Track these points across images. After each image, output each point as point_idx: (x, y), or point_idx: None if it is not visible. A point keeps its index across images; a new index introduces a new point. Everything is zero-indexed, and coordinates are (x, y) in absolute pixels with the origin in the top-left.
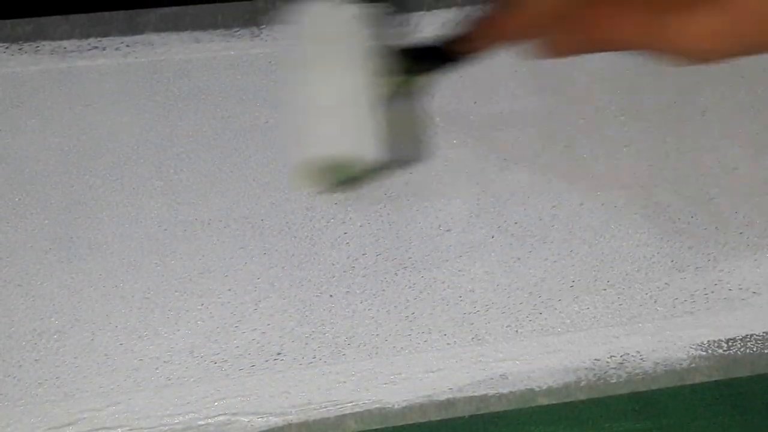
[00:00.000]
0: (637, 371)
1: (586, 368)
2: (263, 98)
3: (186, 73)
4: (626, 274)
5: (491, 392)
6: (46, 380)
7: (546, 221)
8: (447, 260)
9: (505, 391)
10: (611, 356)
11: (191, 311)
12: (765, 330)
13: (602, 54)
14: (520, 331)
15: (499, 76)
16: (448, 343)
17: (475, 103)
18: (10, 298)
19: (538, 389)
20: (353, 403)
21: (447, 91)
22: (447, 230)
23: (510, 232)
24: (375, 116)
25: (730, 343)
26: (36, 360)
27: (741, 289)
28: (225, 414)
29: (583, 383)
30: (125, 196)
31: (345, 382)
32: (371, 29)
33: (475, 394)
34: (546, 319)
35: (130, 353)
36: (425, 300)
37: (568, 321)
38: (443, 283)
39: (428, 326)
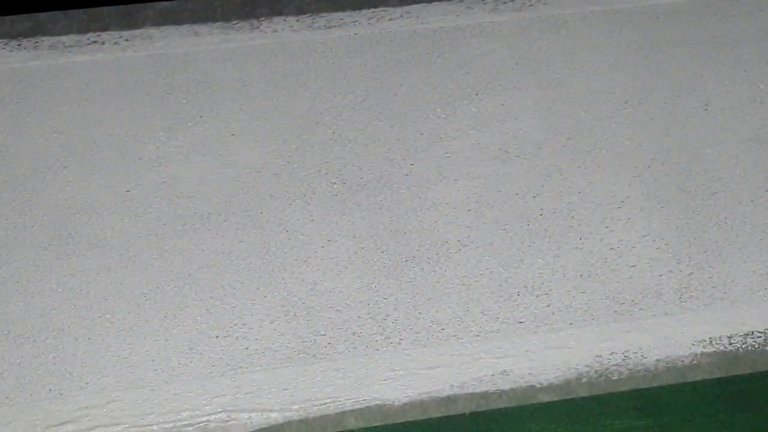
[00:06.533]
0: (638, 368)
1: (588, 365)
2: (263, 90)
3: (185, 67)
4: (628, 269)
5: (492, 389)
6: (45, 378)
7: (547, 215)
8: (448, 254)
9: (506, 387)
10: (613, 353)
11: (190, 307)
12: (766, 327)
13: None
14: (521, 326)
15: (501, 68)
16: (448, 339)
17: (477, 94)
18: (8, 296)
19: (539, 386)
20: (353, 400)
21: (449, 82)
22: (448, 223)
23: (511, 225)
24: None
25: (731, 340)
26: (35, 357)
27: (743, 285)
28: (224, 411)
29: (584, 380)
30: (124, 191)
31: (345, 378)
32: None
33: (476, 390)
34: (547, 314)
35: (129, 350)
36: (425, 295)
37: (570, 317)
38: (443, 277)
39: (429, 321)
